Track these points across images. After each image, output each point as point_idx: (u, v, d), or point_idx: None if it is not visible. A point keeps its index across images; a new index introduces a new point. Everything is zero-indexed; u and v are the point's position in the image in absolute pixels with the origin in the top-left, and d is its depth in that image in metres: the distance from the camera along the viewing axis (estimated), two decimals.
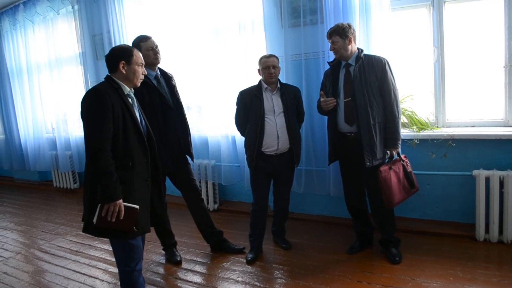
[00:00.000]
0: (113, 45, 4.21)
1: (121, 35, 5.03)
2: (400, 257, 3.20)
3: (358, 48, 3.17)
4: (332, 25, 3.64)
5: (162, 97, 3.24)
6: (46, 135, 6.62)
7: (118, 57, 2.43)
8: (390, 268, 3.09)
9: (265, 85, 3.40)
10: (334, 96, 3.19)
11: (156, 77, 3.29)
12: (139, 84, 2.54)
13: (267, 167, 3.42)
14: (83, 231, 2.39)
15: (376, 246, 3.41)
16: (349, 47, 3.10)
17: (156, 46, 3.27)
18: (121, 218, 2.28)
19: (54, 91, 6.17)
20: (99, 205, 2.26)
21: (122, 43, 4.52)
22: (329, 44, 3.19)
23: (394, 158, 3.15)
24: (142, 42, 3.23)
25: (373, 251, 3.38)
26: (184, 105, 3.49)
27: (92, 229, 2.34)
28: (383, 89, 3.05)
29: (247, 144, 3.47)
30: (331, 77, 3.24)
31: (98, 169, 2.24)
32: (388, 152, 3.15)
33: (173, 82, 3.44)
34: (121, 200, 2.28)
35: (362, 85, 3.03)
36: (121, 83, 2.44)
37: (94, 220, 2.26)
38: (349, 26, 3.11)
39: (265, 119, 3.34)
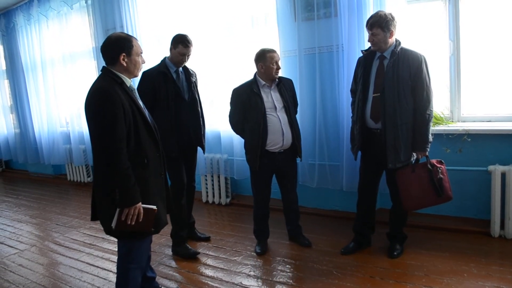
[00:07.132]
0: None
1: (134, 30, 5.04)
2: (400, 253, 3.17)
3: (395, 39, 2.94)
4: (346, 18, 3.59)
5: (177, 88, 3.34)
6: (60, 129, 6.70)
7: (118, 48, 2.29)
8: (403, 264, 3.07)
9: (262, 82, 3.28)
10: (364, 88, 3.03)
11: (176, 71, 3.38)
12: (138, 74, 2.46)
13: (271, 165, 3.33)
14: (107, 233, 2.37)
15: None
16: (389, 40, 2.89)
17: (190, 54, 3.34)
18: (140, 220, 2.25)
19: (68, 86, 6.24)
20: (118, 209, 2.20)
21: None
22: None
23: (421, 162, 2.99)
24: (183, 45, 3.27)
25: (385, 246, 3.34)
26: (206, 100, 3.52)
27: (115, 232, 2.30)
28: (416, 88, 2.86)
29: (248, 145, 3.34)
30: (363, 67, 3.05)
31: (116, 173, 2.16)
32: (415, 154, 3.00)
33: (193, 79, 3.52)
34: (140, 203, 2.23)
35: (394, 81, 2.84)
36: (122, 75, 2.31)
37: (113, 225, 2.22)
38: (393, 18, 2.85)
39: (269, 116, 3.22)
